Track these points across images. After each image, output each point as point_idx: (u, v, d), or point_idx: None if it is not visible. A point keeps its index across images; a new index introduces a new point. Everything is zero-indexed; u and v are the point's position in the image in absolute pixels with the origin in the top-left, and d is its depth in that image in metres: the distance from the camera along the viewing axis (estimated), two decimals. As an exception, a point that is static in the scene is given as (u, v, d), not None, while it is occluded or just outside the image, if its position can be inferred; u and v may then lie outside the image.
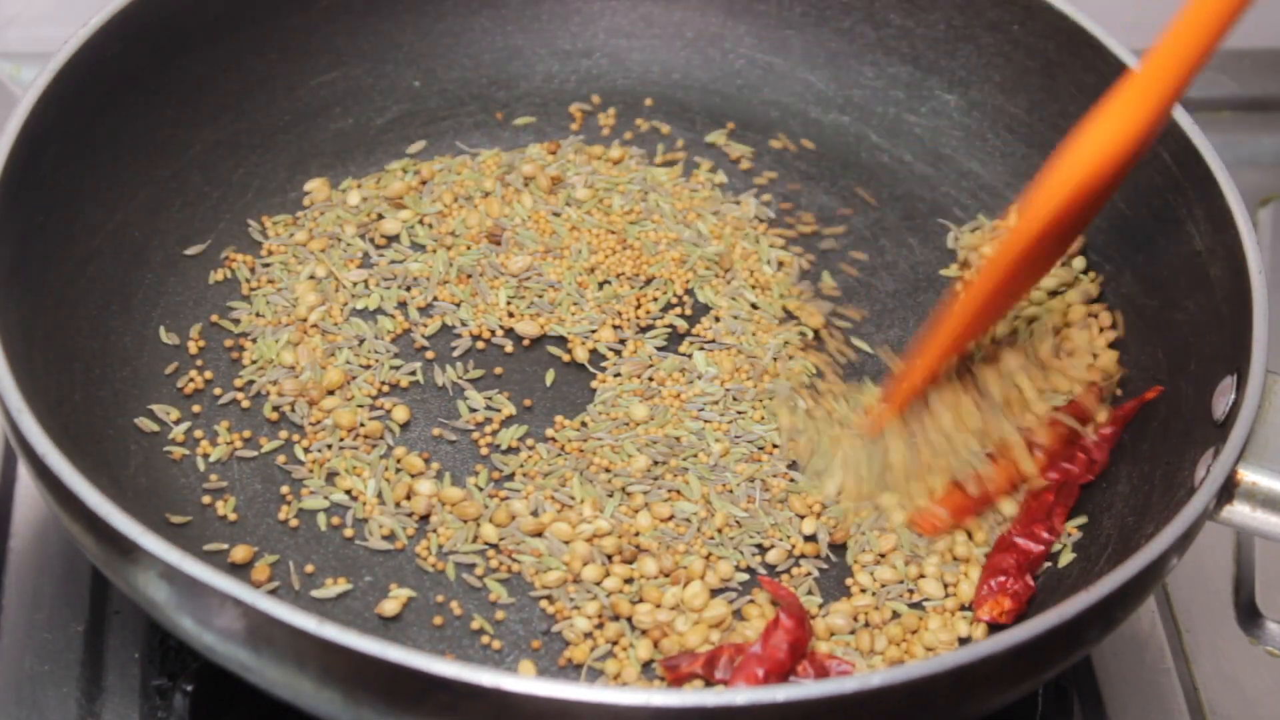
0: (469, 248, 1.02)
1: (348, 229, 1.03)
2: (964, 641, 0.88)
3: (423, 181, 1.05)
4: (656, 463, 0.93)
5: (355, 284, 1.00)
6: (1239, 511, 0.85)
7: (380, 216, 1.03)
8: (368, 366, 0.97)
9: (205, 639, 0.78)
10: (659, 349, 0.99)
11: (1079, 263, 1.03)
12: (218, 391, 0.96)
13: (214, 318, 0.99)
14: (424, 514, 0.91)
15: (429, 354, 0.98)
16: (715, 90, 1.12)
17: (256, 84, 1.05)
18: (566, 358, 0.99)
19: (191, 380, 0.96)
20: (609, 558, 0.90)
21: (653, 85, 1.12)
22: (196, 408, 0.95)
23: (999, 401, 0.94)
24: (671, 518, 0.91)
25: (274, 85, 1.06)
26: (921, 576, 0.90)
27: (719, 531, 0.91)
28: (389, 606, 0.88)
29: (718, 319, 1.00)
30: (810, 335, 1.01)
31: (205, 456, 0.93)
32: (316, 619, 0.74)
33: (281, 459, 0.93)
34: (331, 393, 0.95)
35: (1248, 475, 0.84)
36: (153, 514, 0.90)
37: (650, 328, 1.00)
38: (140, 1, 0.97)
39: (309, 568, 0.90)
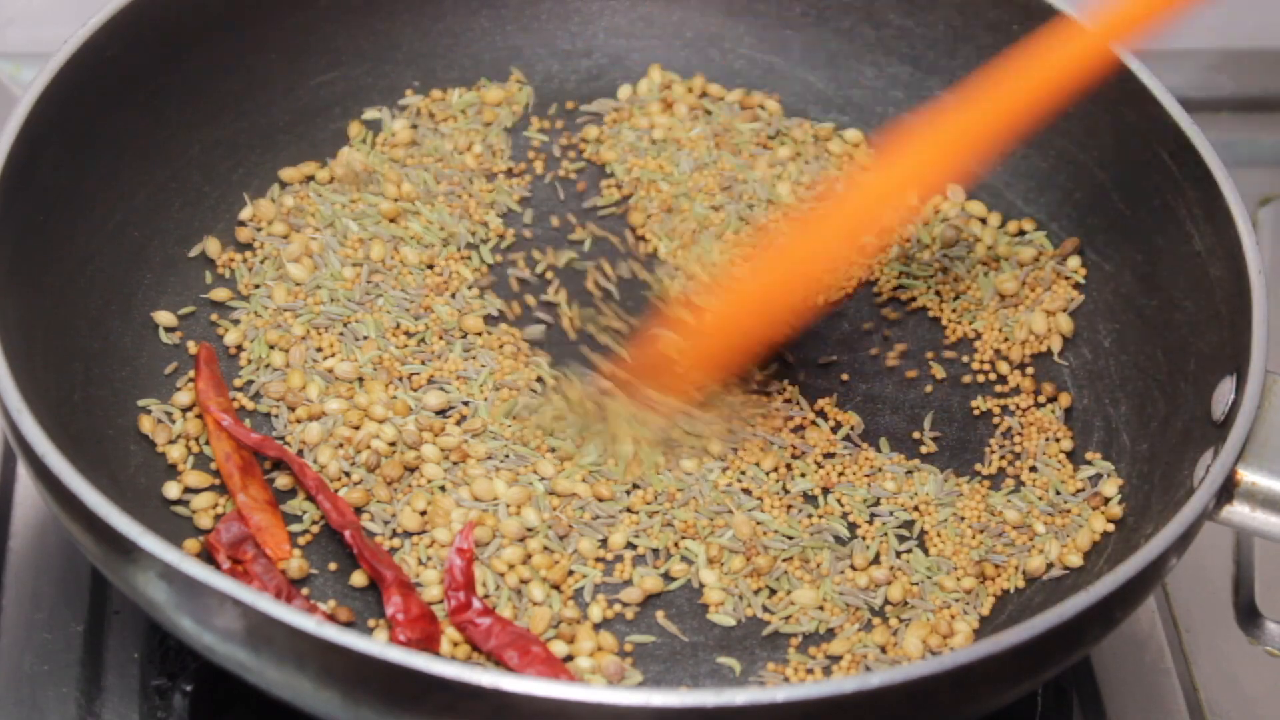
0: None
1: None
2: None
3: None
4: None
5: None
6: (1238, 512, 0.85)
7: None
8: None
9: (205, 639, 0.78)
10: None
11: (1074, 262, 1.03)
12: (217, 391, 0.96)
13: (214, 317, 0.99)
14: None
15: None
16: (715, 90, 1.12)
17: (256, 84, 1.05)
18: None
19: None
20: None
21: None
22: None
23: None
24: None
25: (274, 85, 1.06)
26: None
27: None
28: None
29: None
30: None
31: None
32: (316, 619, 0.74)
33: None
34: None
35: (1247, 475, 0.84)
36: (153, 514, 0.90)
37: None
38: (140, 2, 0.97)
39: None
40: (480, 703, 0.73)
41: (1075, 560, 0.91)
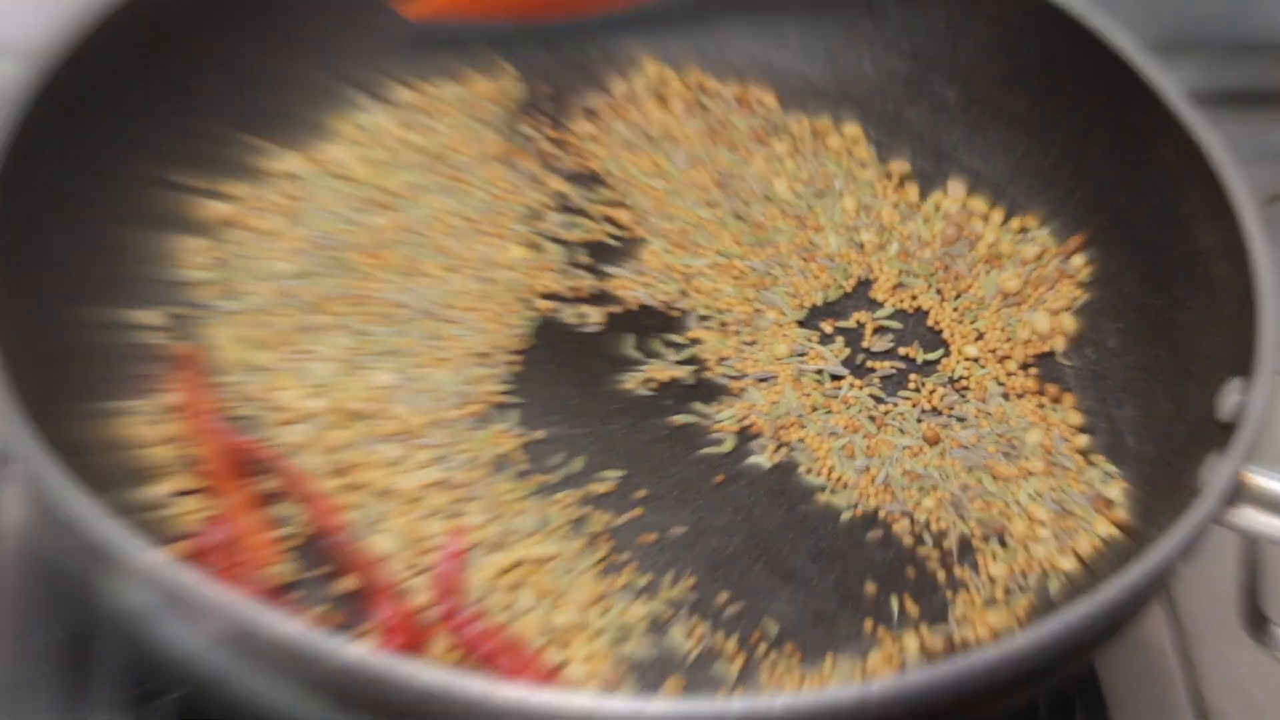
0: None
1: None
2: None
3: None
4: None
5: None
6: (1246, 515, 0.84)
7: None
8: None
9: (188, 648, 0.77)
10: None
11: (1078, 259, 1.03)
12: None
13: (199, 315, 0.98)
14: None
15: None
16: (713, 87, 1.12)
17: (246, 79, 1.04)
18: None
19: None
20: None
21: (652, 83, 1.12)
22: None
23: None
24: None
25: (264, 81, 1.05)
26: None
27: None
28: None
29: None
30: None
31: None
32: (302, 628, 0.73)
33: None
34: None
35: (1255, 478, 0.84)
36: (138, 518, 0.89)
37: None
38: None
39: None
40: (471, 712, 0.72)
41: (1065, 564, 0.91)
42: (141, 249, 0.99)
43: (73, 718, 0.89)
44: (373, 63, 1.08)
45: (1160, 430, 0.94)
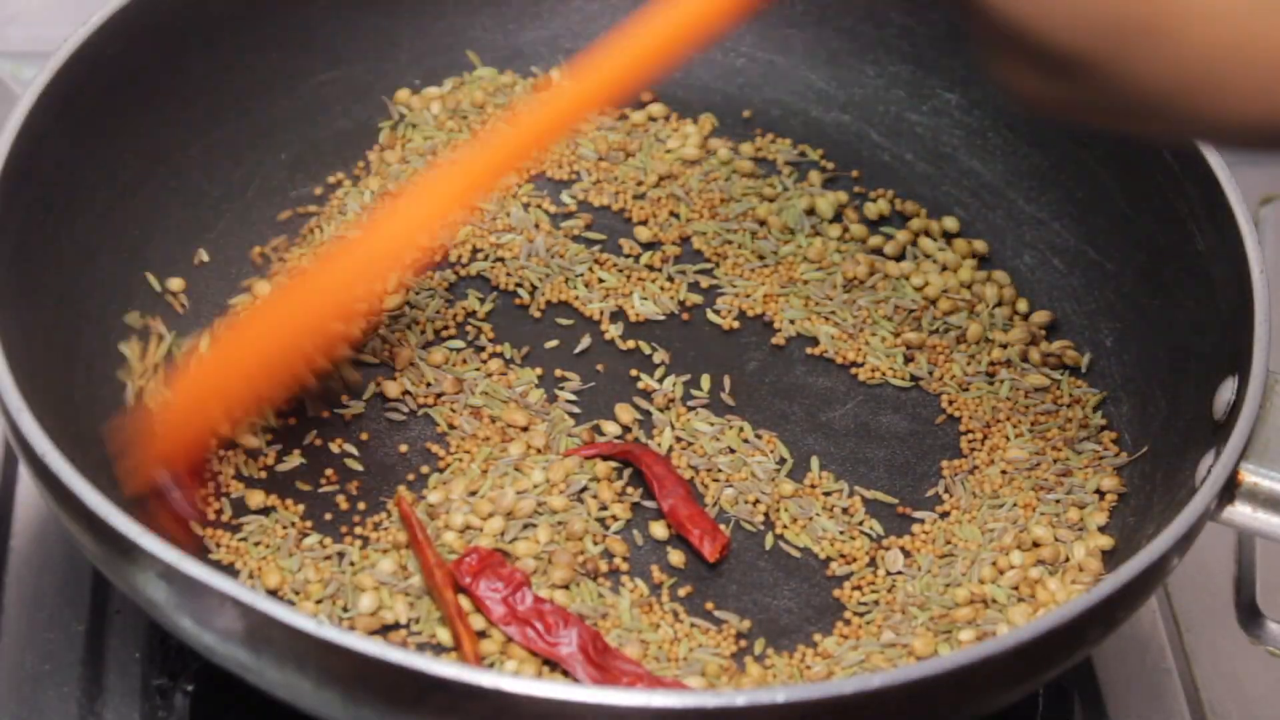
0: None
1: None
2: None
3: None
4: None
5: None
6: (1240, 512, 0.85)
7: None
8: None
9: (205, 639, 0.78)
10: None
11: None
12: (217, 391, 0.96)
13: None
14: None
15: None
16: (717, 89, 1.11)
17: (257, 83, 1.05)
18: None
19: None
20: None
21: (654, 84, 1.11)
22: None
23: None
24: None
25: (274, 84, 1.05)
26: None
27: None
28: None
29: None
30: None
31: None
32: (316, 620, 0.74)
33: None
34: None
35: (1249, 476, 0.84)
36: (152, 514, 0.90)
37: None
38: (141, 1, 0.97)
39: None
40: (480, 703, 0.73)
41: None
42: (158, 251, 0.99)
43: (87, 709, 0.89)
44: (386, 67, 1.09)
45: (1156, 428, 0.94)
